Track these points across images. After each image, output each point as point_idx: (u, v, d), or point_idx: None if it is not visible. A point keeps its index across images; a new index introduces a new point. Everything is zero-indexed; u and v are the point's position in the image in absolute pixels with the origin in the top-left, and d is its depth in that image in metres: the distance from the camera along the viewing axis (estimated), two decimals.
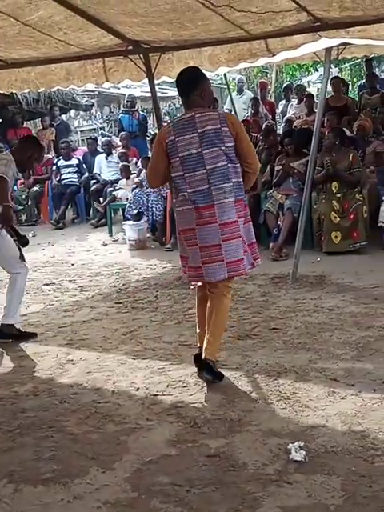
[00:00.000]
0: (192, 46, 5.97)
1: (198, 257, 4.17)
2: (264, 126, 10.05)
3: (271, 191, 8.18)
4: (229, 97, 12.74)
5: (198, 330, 4.45)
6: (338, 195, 7.60)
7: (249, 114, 11.37)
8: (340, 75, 15.67)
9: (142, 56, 6.17)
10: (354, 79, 20.27)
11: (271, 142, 9.09)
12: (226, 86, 13.67)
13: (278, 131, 10.63)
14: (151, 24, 5.42)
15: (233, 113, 12.34)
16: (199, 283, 4.39)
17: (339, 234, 7.46)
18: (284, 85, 13.74)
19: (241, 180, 4.16)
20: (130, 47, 6.06)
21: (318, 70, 19.31)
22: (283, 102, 12.47)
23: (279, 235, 7.70)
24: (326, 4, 4.77)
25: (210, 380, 4.13)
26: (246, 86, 16.35)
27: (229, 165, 4.10)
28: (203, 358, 4.17)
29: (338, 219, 7.49)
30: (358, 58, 14.35)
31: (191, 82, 4.16)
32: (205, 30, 5.39)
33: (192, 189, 4.13)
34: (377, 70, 18.45)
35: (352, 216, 7.44)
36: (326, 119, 8.74)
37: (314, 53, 8.06)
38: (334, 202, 7.57)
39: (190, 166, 4.13)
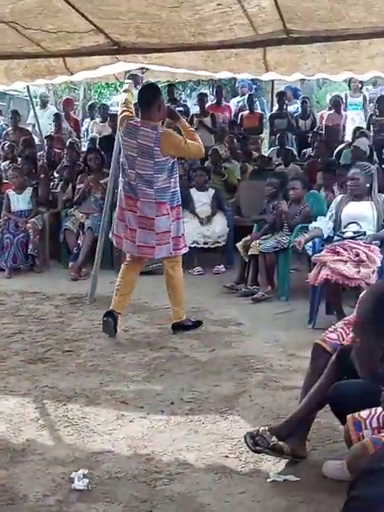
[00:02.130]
0: None
1: (122, 231, 5.29)
2: (67, 142, 9.98)
3: (72, 210, 8.10)
4: (32, 110, 12.47)
5: (115, 296, 5.44)
6: None
7: (53, 129, 11.20)
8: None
9: None
10: None
11: (73, 160, 9.04)
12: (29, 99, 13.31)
13: (82, 149, 10.60)
14: None
15: (36, 127, 12.12)
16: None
17: None
18: (89, 103, 13.72)
19: (167, 186, 5.10)
20: None
21: None
22: (88, 120, 12.47)
23: (79, 254, 7.63)
24: (123, 29, 4.82)
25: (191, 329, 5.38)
26: (53, 101, 16.16)
27: (154, 175, 5.04)
28: (172, 323, 5.38)
29: None
30: (161, 82, 14.72)
31: (152, 97, 5.14)
32: None
33: (127, 179, 5.15)
34: (182, 94, 19.12)
35: None
36: None
37: (114, 75, 8.11)
38: None
39: (128, 162, 5.12)
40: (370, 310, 1.43)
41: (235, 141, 9.81)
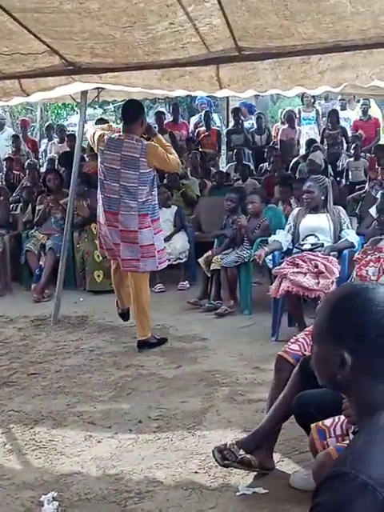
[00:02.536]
0: None
1: (111, 244, 5.33)
2: (26, 164, 9.94)
3: (32, 231, 8.05)
4: None
5: (117, 299, 5.75)
6: None
7: (11, 151, 11.14)
8: (104, 117, 15.98)
9: None
10: (118, 121, 20.83)
11: (34, 180, 9.01)
12: None
13: (40, 170, 10.54)
14: None
15: None
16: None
17: (102, 273, 7.54)
18: (46, 124, 13.66)
19: (150, 198, 5.21)
20: None
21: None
22: (45, 140, 12.42)
23: (41, 276, 7.58)
24: (77, 49, 4.83)
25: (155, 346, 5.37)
26: (10, 123, 16.06)
27: (139, 187, 5.14)
28: (137, 341, 5.36)
29: (101, 258, 7.55)
30: (118, 101, 14.73)
31: (136, 112, 5.37)
32: None
33: (107, 194, 5.23)
34: None
35: None
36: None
37: (70, 95, 8.11)
38: (96, 241, 7.63)
39: (109, 176, 5.20)
40: (325, 319, 1.47)
41: (198, 157, 9.85)
